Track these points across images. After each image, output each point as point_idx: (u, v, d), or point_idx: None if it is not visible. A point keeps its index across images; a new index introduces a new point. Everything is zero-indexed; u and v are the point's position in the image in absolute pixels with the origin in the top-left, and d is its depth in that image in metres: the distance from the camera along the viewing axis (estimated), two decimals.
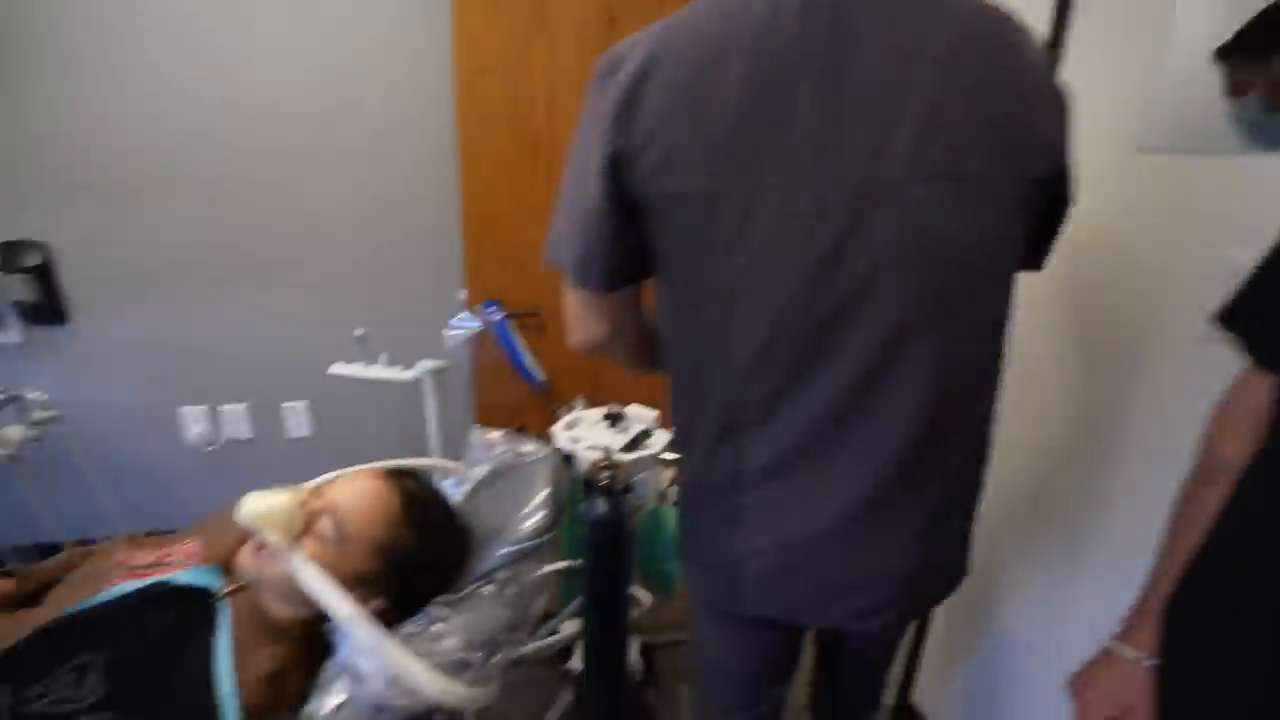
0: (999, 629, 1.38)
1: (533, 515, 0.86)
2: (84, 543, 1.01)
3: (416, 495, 0.87)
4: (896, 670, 1.70)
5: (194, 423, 2.03)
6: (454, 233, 1.89)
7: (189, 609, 0.80)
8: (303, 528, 0.79)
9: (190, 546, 0.91)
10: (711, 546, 0.77)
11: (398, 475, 0.89)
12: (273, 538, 0.76)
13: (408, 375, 1.55)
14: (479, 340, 1.82)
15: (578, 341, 0.77)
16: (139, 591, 0.81)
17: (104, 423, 1.90)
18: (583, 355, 0.78)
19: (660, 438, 1.41)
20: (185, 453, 2.06)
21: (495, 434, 1.07)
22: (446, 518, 0.89)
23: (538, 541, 0.84)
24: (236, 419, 2.05)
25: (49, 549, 1.08)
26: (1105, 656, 0.69)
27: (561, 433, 1.41)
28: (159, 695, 0.70)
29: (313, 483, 0.88)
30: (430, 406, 1.60)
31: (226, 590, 0.82)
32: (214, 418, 2.04)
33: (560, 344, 2.03)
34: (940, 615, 1.54)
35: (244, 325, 1.96)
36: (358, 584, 0.78)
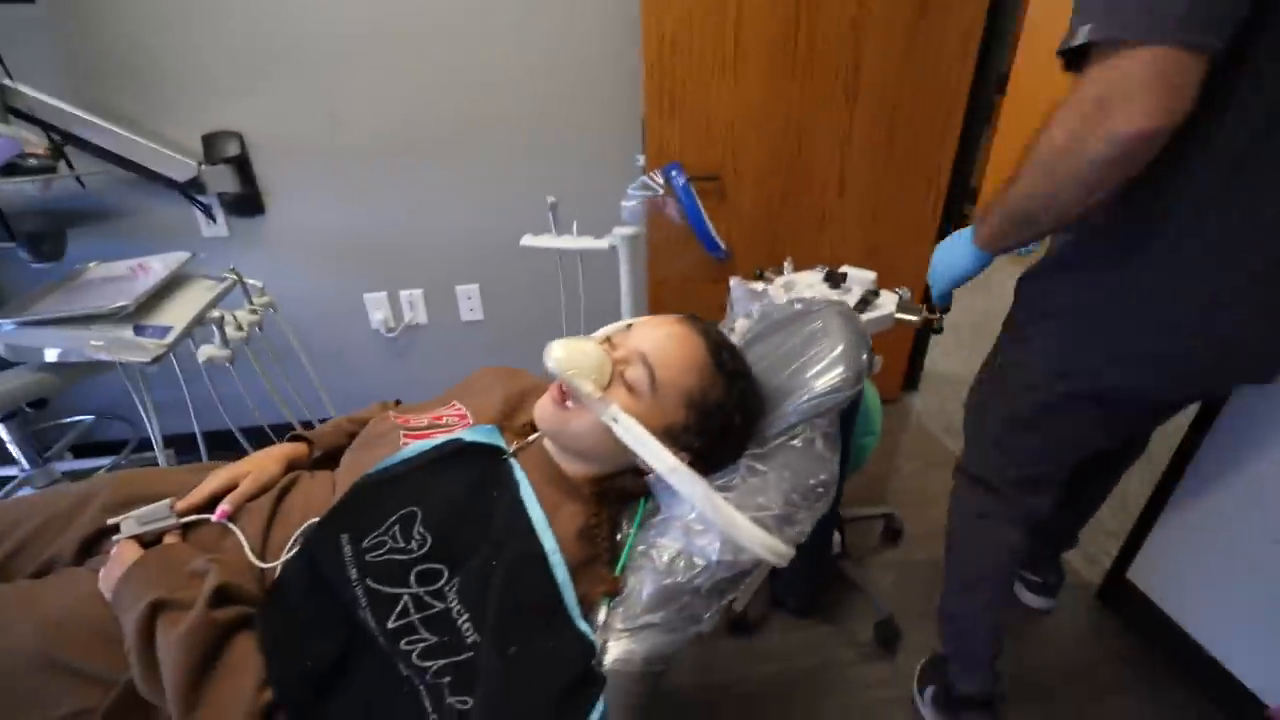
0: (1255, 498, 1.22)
1: (830, 370, 0.77)
2: (309, 425, 1.03)
3: (722, 342, 0.79)
4: (1108, 546, 1.60)
5: (376, 309, 2.10)
6: (633, 99, 1.75)
7: (485, 465, 0.77)
8: (610, 377, 0.74)
9: (458, 409, 0.91)
10: (1147, 335, 0.83)
11: (698, 321, 0.80)
12: (585, 387, 0.71)
13: (602, 244, 1.48)
14: (652, 212, 1.73)
15: (1151, 125, 0.63)
16: (434, 449, 0.80)
17: (299, 311, 1.99)
18: (1132, 147, 0.65)
19: (888, 299, 1.29)
20: (370, 337, 2.16)
21: (757, 284, 0.98)
22: (748, 368, 0.81)
23: (841, 396, 0.76)
24: (414, 304, 2.10)
25: (281, 429, 1.13)
26: None
27: (779, 294, 1.31)
28: (484, 546, 0.69)
29: (603, 331, 0.84)
30: (625, 276, 1.54)
31: (515, 447, 0.81)
32: (393, 303, 2.10)
33: (740, 211, 1.92)
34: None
35: (416, 208, 1.96)
36: (667, 438, 0.73)
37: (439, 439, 0.82)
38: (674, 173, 1.63)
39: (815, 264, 1.41)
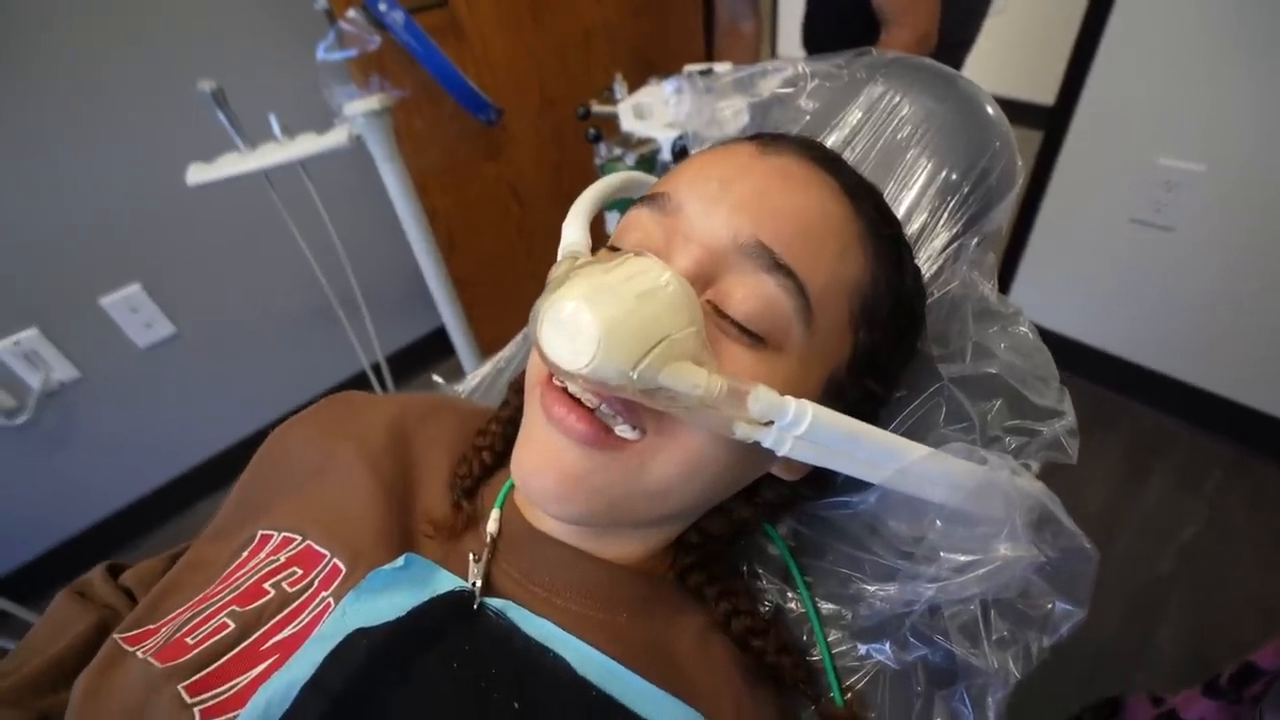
0: None
1: (951, 160, 0.44)
2: None
3: (862, 180, 0.39)
4: None
5: None
6: None
7: (447, 656, 0.33)
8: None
9: (286, 543, 0.39)
10: None
11: (781, 137, 0.38)
12: (700, 382, 0.29)
13: (338, 137, 0.92)
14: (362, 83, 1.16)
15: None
16: (317, 682, 0.31)
17: None
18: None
19: None
20: None
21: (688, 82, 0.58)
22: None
23: (1008, 201, 0.44)
24: (37, 356, 1.28)
25: None
26: None
27: (632, 123, 0.93)
28: None
29: (581, 212, 0.42)
30: (390, 178, 1.01)
31: (478, 572, 0.36)
32: None
33: (488, 47, 1.37)
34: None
35: None
36: (831, 398, 0.35)
37: (309, 651, 0.32)
38: (383, 6, 1.05)
39: (590, 89, 1.04)
